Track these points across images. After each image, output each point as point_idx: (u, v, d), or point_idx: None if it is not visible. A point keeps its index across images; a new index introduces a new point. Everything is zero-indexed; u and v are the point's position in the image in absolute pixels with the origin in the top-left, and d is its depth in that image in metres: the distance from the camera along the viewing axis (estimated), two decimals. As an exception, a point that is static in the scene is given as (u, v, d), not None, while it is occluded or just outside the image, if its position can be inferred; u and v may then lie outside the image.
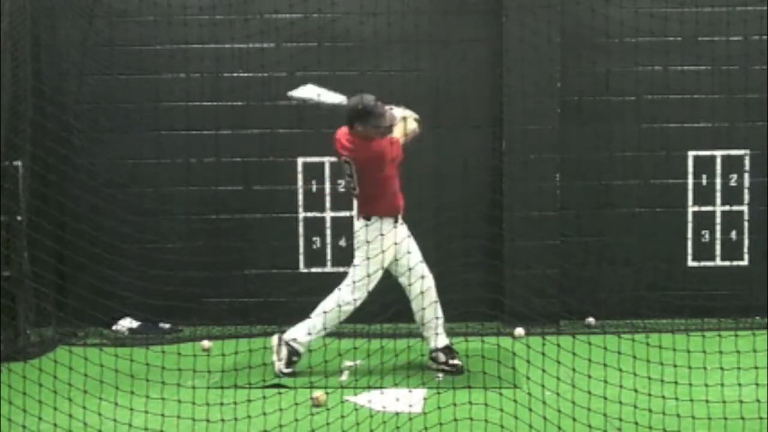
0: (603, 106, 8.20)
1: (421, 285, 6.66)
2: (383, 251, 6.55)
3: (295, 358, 6.73)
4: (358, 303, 6.69)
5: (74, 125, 8.13)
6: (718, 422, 5.36)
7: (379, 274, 6.65)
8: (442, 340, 6.81)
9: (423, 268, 6.72)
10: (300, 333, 6.72)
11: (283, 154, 8.26)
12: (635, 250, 8.31)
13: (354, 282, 6.62)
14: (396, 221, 6.67)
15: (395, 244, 6.62)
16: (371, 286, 6.64)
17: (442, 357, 6.80)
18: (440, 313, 6.77)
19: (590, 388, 5.64)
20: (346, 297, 6.65)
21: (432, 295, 6.74)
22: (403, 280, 6.72)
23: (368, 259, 6.54)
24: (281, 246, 8.33)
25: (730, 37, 8.10)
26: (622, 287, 8.32)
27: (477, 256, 8.15)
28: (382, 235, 6.53)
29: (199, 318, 8.17)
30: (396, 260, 6.67)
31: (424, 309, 6.68)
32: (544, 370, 5.71)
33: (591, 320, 8.23)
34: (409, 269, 6.62)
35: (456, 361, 6.75)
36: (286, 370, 6.69)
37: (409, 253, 6.67)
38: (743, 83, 8.10)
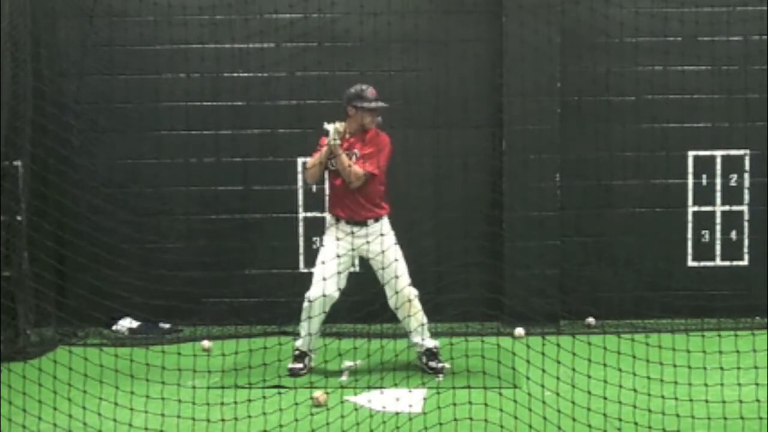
0: (603, 106, 8.19)
1: (409, 293, 6.68)
2: (323, 246, 6.80)
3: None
4: (318, 293, 6.66)
5: (74, 125, 8.14)
6: (717, 422, 5.36)
7: (332, 266, 6.64)
8: (429, 343, 6.83)
9: (403, 272, 6.73)
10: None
11: (283, 154, 8.26)
12: (635, 250, 8.31)
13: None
14: (337, 221, 6.80)
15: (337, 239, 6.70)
16: (327, 275, 6.62)
17: (423, 359, 6.84)
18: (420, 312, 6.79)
19: (590, 388, 5.64)
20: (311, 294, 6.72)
21: (412, 298, 6.74)
22: (387, 289, 6.73)
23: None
24: (281, 246, 8.33)
25: (730, 37, 8.11)
26: (622, 287, 8.32)
27: (477, 256, 8.15)
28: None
29: (199, 318, 8.18)
30: (383, 269, 6.69)
31: (409, 301, 6.67)
32: (543, 370, 5.71)
33: (591, 320, 8.23)
34: (395, 260, 6.63)
35: (434, 364, 6.76)
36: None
37: (395, 245, 6.72)
38: (743, 83, 8.10)
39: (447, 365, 6.76)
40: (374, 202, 6.75)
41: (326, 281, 6.58)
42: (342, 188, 6.77)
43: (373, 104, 6.74)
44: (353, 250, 6.75)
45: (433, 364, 6.78)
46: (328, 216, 6.94)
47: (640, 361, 5.78)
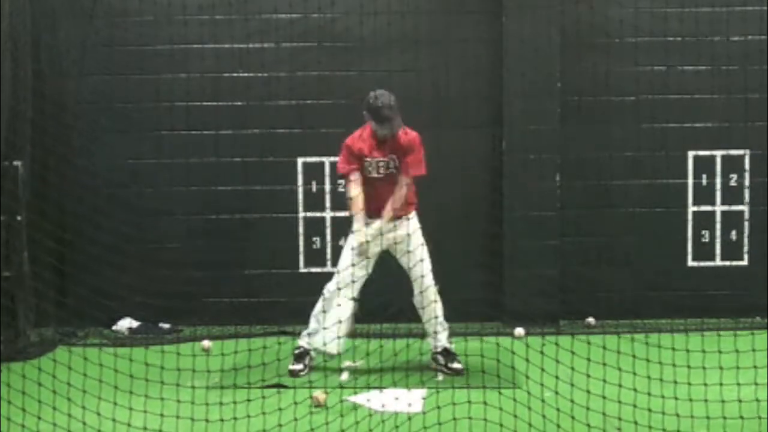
0: (603, 106, 8.20)
1: (434, 294, 6.68)
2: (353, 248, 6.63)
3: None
4: (346, 294, 6.63)
5: (74, 125, 8.14)
6: (717, 422, 5.35)
7: (360, 267, 6.62)
8: (443, 341, 6.80)
9: (431, 275, 6.71)
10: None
11: (283, 154, 8.26)
12: (635, 250, 8.30)
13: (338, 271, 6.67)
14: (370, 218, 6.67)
15: (367, 240, 6.60)
16: (356, 276, 6.61)
17: (441, 359, 6.80)
18: (442, 314, 6.77)
19: (589, 388, 5.63)
20: (330, 286, 6.69)
21: (435, 293, 6.73)
22: (414, 286, 6.69)
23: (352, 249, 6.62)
24: (281, 246, 8.33)
25: (730, 37, 8.11)
26: (622, 287, 8.31)
27: (477, 256, 8.16)
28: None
29: (199, 318, 8.18)
30: (409, 268, 6.66)
31: (435, 302, 6.67)
32: (543, 370, 5.71)
33: (591, 320, 8.23)
34: (421, 260, 6.60)
35: (456, 365, 6.72)
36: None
37: (423, 245, 6.68)
38: (743, 83, 8.10)
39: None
40: (406, 200, 6.71)
41: (354, 284, 6.57)
42: (380, 190, 6.65)
43: (376, 127, 6.55)
44: (380, 251, 6.71)
45: (453, 365, 6.73)
46: (359, 216, 6.66)
47: (640, 361, 5.77)
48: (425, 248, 6.71)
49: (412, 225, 6.70)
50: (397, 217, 6.65)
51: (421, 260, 6.62)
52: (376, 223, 6.57)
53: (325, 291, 6.71)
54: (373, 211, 6.66)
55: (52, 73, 8.06)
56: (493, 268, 8.13)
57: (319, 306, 6.74)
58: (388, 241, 6.69)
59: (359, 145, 6.67)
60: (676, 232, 8.38)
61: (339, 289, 6.57)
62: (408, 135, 6.65)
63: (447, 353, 6.79)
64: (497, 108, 8.19)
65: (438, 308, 6.72)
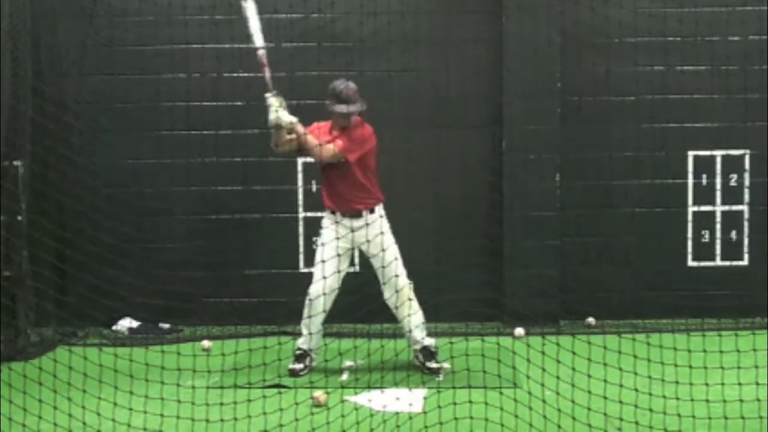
0: (603, 106, 8.20)
1: (408, 293, 6.67)
2: (323, 244, 6.71)
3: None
4: (319, 291, 6.64)
5: (74, 125, 8.13)
6: (718, 422, 5.36)
7: (332, 263, 6.62)
8: (421, 339, 6.81)
9: (402, 270, 6.71)
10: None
11: (283, 153, 8.22)
12: (635, 250, 8.30)
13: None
14: (333, 214, 6.73)
15: (337, 238, 6.65)
16: (327, 273, 6.62)
17: (420, 357, 6.82)
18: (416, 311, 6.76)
19: (590, 388, 5.63)
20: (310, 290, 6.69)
21: (412, 296, 6.72)
22: (385, 289, 6.72)
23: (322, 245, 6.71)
24: (281, 246, 8.32)
25: (729, 37, 8.11)
26: (622, 287, 8.31)
27: (477, 256, 8.15)
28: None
29: (199, 318, 8.18)
30: (382, 267, 6.67)
31: (409, 300, 6.66)
32: (544, 370, 5.70)
33: (591, 320, 8.23)
34: (396, 258, 6.63)
35: (432, 365, 6.72)
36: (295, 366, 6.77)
37: (394, 243, 6.70)
38: (743, 83, 8.10)
39: (447, 365, 6.72)
40: (364, 192, 6.68)
41: (326, 279, 6.57)
42: (333, 180, 6.72)
43: (337, 108, 6.62)
44: (351, 249, 6.74)
45: (430, 364, 6.75)
46: (326, 211, 6.87)
47: (641, 361, 5.77)
48: (396, 247, 6.70)
49: (384, 224, 6.69)
50: (358, 210, 6.65)
51: (396, 259, 6.63)
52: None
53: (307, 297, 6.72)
54: (335, 207, 6.73)
55: (52, 73, 8.04)
56: (493, 268, 8.13)
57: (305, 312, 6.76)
58: (359, 240, 6.68)
59: (320, 128, 6.83)
60: (676, 232, 8.38)
61: (324, 294, 6.61)
62: (362, 124, 6.73)
63: (426, 351, 6.79)
64: (497, 108, 8.19)
65: (413, 306, 6.69)
